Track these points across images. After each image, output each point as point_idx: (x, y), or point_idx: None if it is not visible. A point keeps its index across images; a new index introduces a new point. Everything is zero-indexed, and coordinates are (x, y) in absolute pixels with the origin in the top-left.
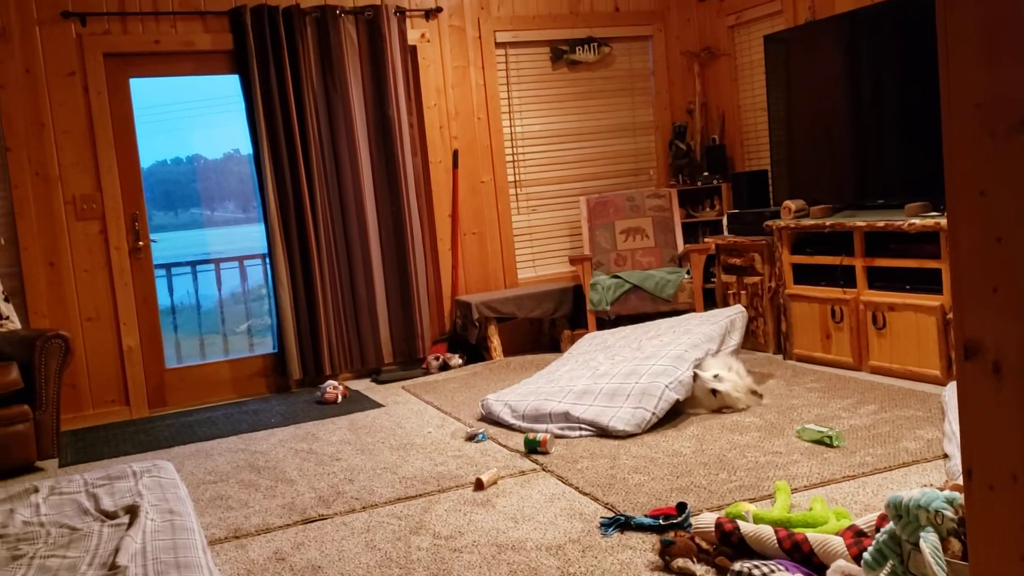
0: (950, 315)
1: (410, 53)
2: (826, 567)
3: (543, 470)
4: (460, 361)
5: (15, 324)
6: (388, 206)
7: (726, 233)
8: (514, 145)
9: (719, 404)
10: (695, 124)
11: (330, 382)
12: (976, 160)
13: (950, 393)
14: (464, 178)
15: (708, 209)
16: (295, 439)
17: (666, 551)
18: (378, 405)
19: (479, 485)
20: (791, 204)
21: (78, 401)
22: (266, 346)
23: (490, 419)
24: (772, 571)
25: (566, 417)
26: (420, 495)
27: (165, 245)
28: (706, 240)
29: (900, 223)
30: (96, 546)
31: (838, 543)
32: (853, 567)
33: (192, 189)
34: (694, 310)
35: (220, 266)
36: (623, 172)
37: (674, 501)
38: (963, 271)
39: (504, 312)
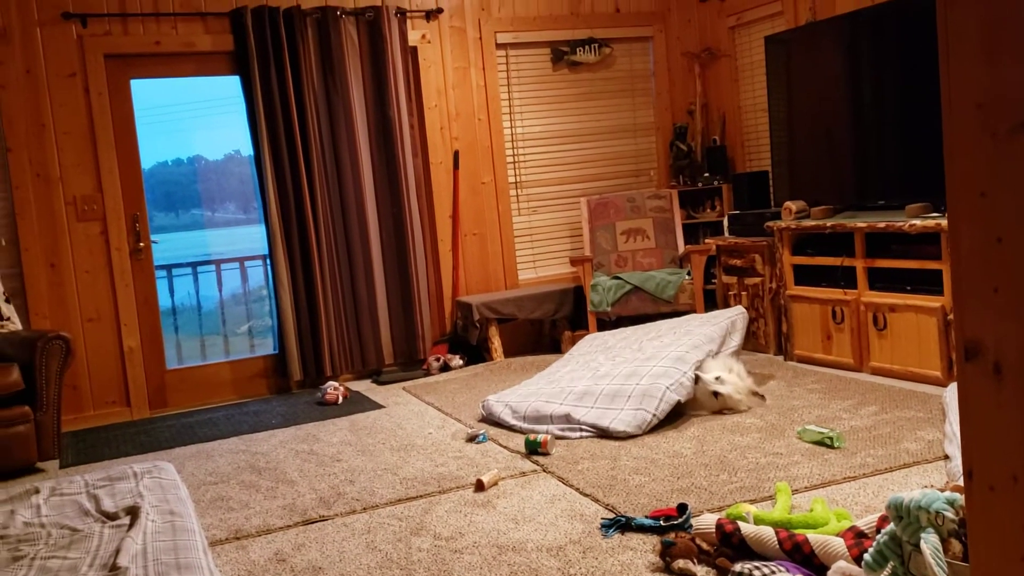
0: (951, 316)
1: (411, 54)
2: (827, 568)
3: (544, 471)
4: (461, 362)
5: (16, 325)
6: (389, 207)
7: (727, 234)
8: (515, 146)
9: (720, 406)
10: (696, 125)
11: (331, 383)
12: (977, 161)
13: (951, 394)
14: (465, 179)
15: (709, 210)
16: (296, 440)
17: (667, 552)
18: (379, 406)
19: (480, 486)
20: (792, 205)
21: (79, 402)
22: (267, 347)
23: (491, 420)
24: (773, 572)
25: (567, 419)
26: (421, 496)
27: (166, 246)
28: (707, 241)
29: (901, 224)
30: (97, 547)
31: (839, 544)
32: (854, 568)
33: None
34: (695, 311)
35: (221, 267)
36: (624, 173)
37: (675, 502)
38: (964, 272)
39: (505, 313)
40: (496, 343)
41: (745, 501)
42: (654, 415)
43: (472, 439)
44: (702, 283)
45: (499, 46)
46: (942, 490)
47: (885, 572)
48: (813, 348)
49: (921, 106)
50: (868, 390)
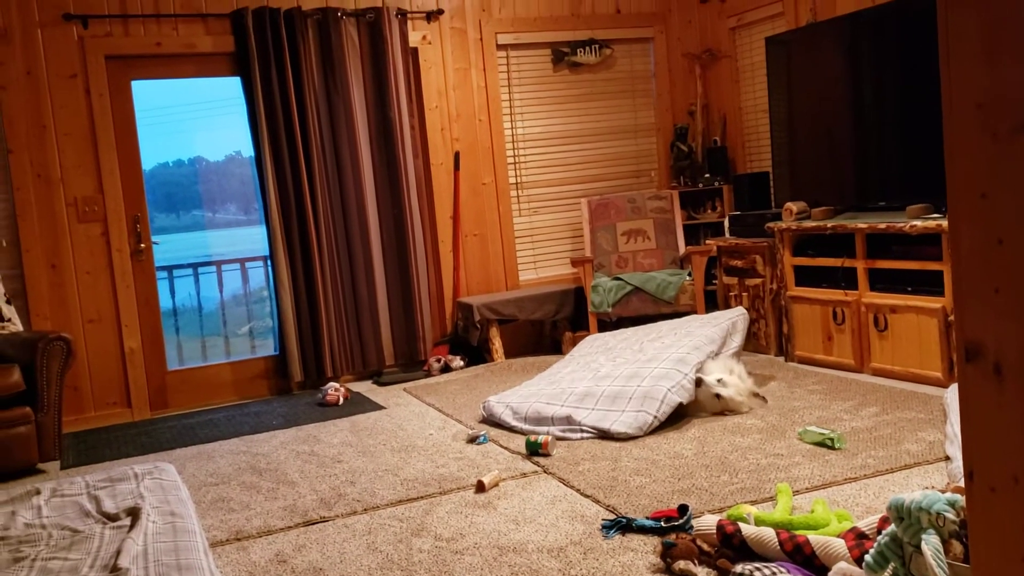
0: (952, 317)
1: (411, 55)
2: (828, 569)
3: (544, 472)
4: (461, 363)
5: (17, 326)
6: (389, 208)
7: (727, 235)
8: (515, 147)
9: (722, 407)
10: (696, 126)
11: (331, 384)
12: (977, 162)
13: (952, 395)
14: (465, 180)
15: (709, 211)
16: (296, 441)
17: (667, 553)
18: (379, 407)
19: (480, 487)
20: (792, 206)
21: (80, 403)
22: (267, 348)
23: (491, 421)
24: (774, 573)
25: (568, 420)
26: (421, 497)
27: (167, 247)
28: (707, 242)
29: (902, 225)
30: (98, 548)
31: (840, 545)
32: (855, 569)
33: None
34: (696, 312)
35: (222, 268)
36: (624, 174)
37: (675, 503)
38: (964, 273)
39: (505, 314)
40: (497, 344)
41: (746, 502)
42: (655, 417)
43: (473, 440)
44: (703, 284)
45: (500, 47)
46: (943, 491)
47: (886, 573)
48: (814, 349)
49: (922, 107)
50: (869, 391)
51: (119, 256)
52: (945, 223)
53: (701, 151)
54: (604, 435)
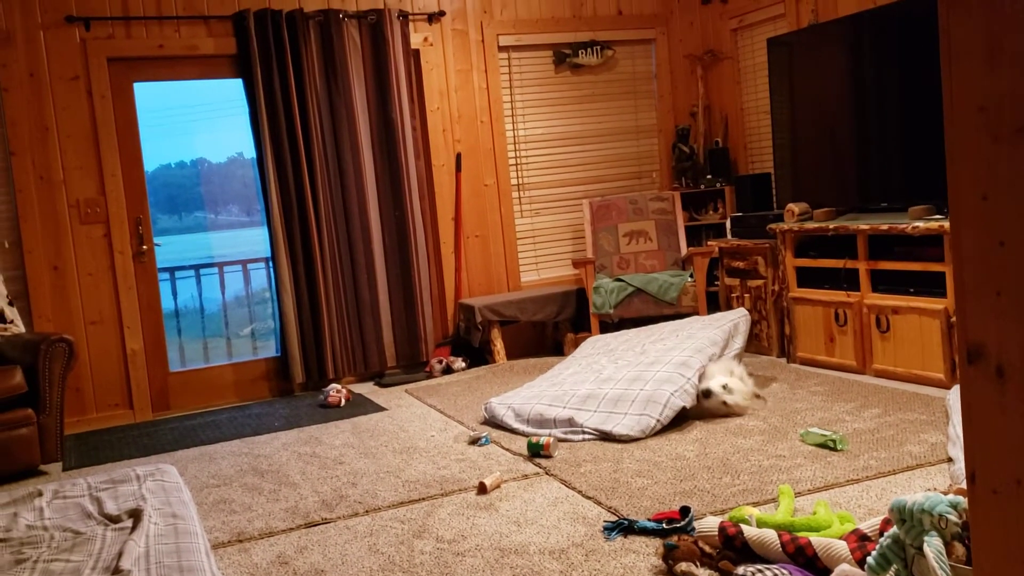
0: (954, 318)
1: (413, 57)
2: (830, 571)
3: (546, 474)
4: (463, 364)
5: (19, 328)
6: (391, 209)
7: (729, 236)
8: (517, 148)
9: (726, 411)
10: (698, 127)
11: (333, 385)
12: (978, 164)
13: (954, 396)
14: (467, 181)
15: (711, 212)
16: (298, 443)
17: (669, 555)
18: (381, 409)
19: (482, 489)
20: (794, 207)
21: (82, 405)
22: (269, 350)
23: (493, 423)
24: (776, 575)
25: (570, 423)
26: (423, 499)
27: (169, 249)
28: (709, 243)
29: (904, 226)
30: (99, 550)
31: (842, 547)
32: (857, 571)
33: (196, 193)
34: (697, 313)
35: (224, 270)
36: (626, 175)
37: (677, 505)
38: (966, 275)
39: (507, 315)
40: (499, 345)
41: (748, 504)
42: (658, 420)
43: (475, 442)
44: (704, 285)
45: (501, 49)
46: (945, 493)
47: (888, 575)
48: (816, 350)
49: (923, 108)
50: (871, 392)
51: (121, 258)
52: (947, 224)
53: (703, 152)
54: (606, 437)
